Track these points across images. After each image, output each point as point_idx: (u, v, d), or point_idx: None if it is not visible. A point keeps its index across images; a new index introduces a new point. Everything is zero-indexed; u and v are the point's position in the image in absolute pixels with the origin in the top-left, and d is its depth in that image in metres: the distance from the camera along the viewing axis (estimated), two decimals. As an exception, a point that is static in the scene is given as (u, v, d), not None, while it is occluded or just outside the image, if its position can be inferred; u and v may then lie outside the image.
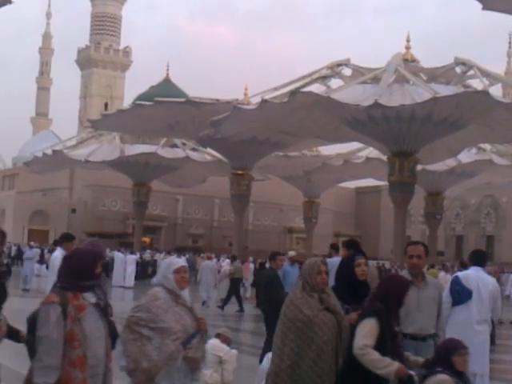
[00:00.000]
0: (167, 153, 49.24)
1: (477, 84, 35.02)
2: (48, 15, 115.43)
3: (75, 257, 4.76)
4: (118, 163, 49.16)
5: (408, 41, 37.65)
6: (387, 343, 5.05)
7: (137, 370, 5.05)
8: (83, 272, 4.64)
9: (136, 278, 34.10)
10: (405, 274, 6.48)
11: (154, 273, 36.89)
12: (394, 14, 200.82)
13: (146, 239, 62.63)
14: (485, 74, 35.44)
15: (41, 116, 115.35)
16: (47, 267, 27.34)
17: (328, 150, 49.51)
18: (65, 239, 11.72)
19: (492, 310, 7.62)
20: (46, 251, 37.17)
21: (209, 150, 48.77)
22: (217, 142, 39.83)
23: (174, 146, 52.07)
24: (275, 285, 11.54)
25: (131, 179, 51.95)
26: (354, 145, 45.05)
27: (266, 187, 58.30)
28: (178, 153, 49.96)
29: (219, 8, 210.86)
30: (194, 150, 51.48)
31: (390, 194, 35.71)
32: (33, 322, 4.62)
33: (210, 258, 27.64)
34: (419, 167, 36.66)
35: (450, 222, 65.62)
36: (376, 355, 4.96)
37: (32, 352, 4.60)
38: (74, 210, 65.54)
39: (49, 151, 49.62)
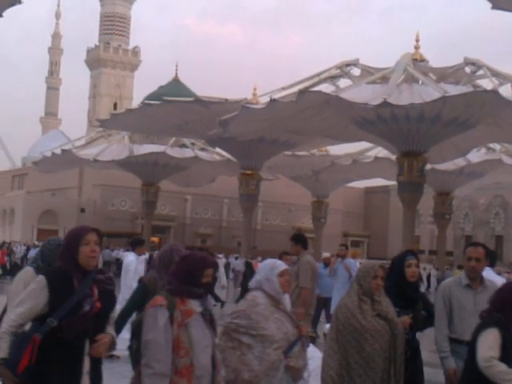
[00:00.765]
0: (176, 152, 49.27)
1: (486, 84, 34.89)
2: (57, 15, 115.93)
3: (186, 260, 4.53)
4: (127, 163, 49.23)
5: (417, 40, 37.56)
6: (510, 354, 4.67)
7: (237, 380, 4.84)
8: (192, 277, 4.40)
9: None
10: (462, 276, 6.15)
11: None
12: (402, 14, 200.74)
13: (155, 239, 62.70)
14: (494, 73, 35.31)
15: (50, 116, 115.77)
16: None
17: (337, 149, 49.50)
18: (137, 244, 12.06)
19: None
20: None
21: (218, 149, 48.80)
22: (225, 142, 39.84)
23: (183, 145, 52.11)
24: None
25: (140, 179, 52.03)
26: (363, 144, 44.99)
27: (275, 187, 58.32)
28: (187, 152, 50.00)
29: (228, 8, 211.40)
30: (202, 149, 51.51)
31: (399, 194, 35.63)
32: (137, 326, 4.42)
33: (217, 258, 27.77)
34: (428, 167, 36.59)
35: (458, 221, 65.47)
36: (503, 367, 4.59)
37: (135, 359, 4.38)
38: (83, 210, 65.71)
39: (58, 151, 49.72)
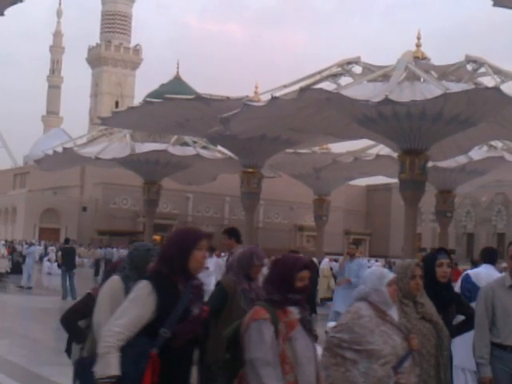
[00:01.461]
0: (178, 151, 49.28)
1: (488, 81, 34.81)
2: (59, 13, 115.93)
3: (277, 265, 4.20)
4: (129, 161, 49.23)
5: (418, 38, 37.49)
6: None
7: None
8: (285, 282, 4.05)
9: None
10: (506, 277, 5.87)
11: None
12: (404, 12, 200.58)
13: (157, 237, 62.70)
14: (496, 71, 35.25)
15: (52, 114, 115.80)
16: (59, 266, 27.41)
17: (338, 147, 49.48)
18: (212, 250, 12.24)
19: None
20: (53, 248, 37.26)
21: (219, 147, 48.79)
22: (227, 140, 39.82)
23: (185, 144, 52.09)
24: None
25: (142, 177, 52.04)
26: (365, 142, 44.95)
27: (277, 185, 58.31)
28: (189, 151, 50.00)
29: (229, 5, 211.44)
30: (204, 148, 51.51)
31: (401, 192, 35.59)
32: (233, 338, 4.12)
33: (219, 256, 27.69)
34: (430, 164, 36.55)
35: (460, 219, 65.44)
36: None
37: (231, 370, 4.10)
38: (84, 208, 65.77)
39: (59, 149, 49.73)
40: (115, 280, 4.95)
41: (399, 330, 4.64)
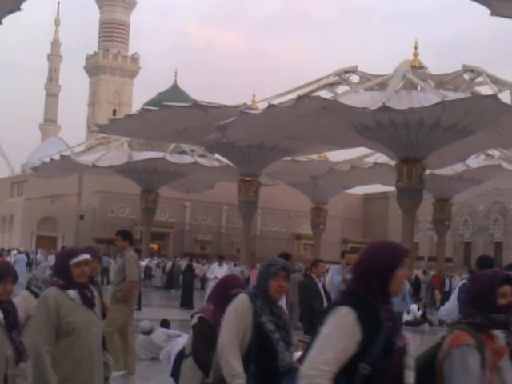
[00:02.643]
0: (175, 159, 49.31)
1: (485, 90, 34.91)
2: (57, 22, 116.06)
3: (475, 281, 3.71)
4: (126, 169, 49.24)
5: (416, 47, 37.61)
6: None
7: None
8: (486, 301, 3.52)
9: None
10: None
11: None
12: (403, 21, 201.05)
13: (154, 246, 62.65)
14: (493, 80, 35.34)
15: (49, 122, 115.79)
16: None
17: (336, 156, 49.52)
18: (285, 259, 12.18)
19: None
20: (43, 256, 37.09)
21: (217, 156, 48.82)
22: (225, 148, 39.87)
23: (183, 152, 52.14)
24: (316, 295, 11.07)
25: (139, 185, 52.02)
26: (362, 150, 45.02)
27: (274, 194, 58.27)
28: (186, 159, 50.03)
29: (229, 14, 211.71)
30: (202, 156, 51.53)
31: (398, 201, 35.63)
32: (426, 370, 3.53)
33: (220, 265, 27.67)
34: (427, 172, 36.60)
35: (458, 228, 65.39)
36: None
37: None
38: (82, 217, 65.66)
39: (56, 157, 49.76)
40: (243, 299, 4.61)
41: None
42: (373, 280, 3.34)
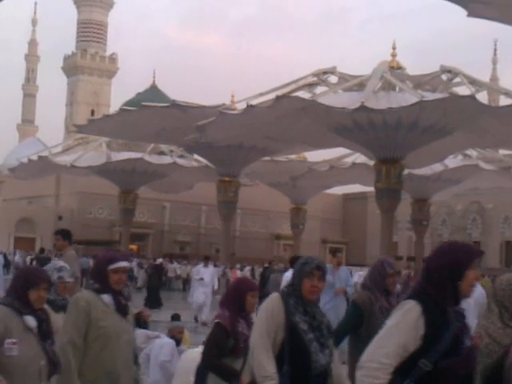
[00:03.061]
0: (154, 159, 49.17)
1: (463, 91, 35.13)
2: (34, 22, 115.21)
3: None
4: (104, 170, 49.00)
5: (394, 48, 37.75)
6: None
7: None
8: None
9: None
10: None
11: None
12: (381, 22, 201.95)
13: (134, 247, 62.43)
14: (471, 80, 35.57)
15: (27, 123, 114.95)
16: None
17: (314, 156, 49.58)
18: (295, 261, 12.24)
19: (478, 316, 7.60)
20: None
21: (196, 156, 48.72)
22: (203, 149, 39.79)
23: (161, 153, 52.00)
24: None
25: (118, 186, 51.81)
26: (341, 151, 45.12)
27: (254, 194, 58.27)
28: (165, 159, 49.90)
29: (208, 15, 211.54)
30: (181, 156, 51.40)
31: (377, 201, 35.74)
32: (494, 378, 3.35)
33: (206, 265, 27.59)
34: (406, 172, 36.75)
35: (436, 228, 65.80)
36: None
37: None
38: (60, 218, 65.26)
39: (34, 157, 49.43)
40: (274, 298, 4.53)
41: None
42: (442, 280, 3.33)
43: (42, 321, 4.19)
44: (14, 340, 4.01)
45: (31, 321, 4.11)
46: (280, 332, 4.32)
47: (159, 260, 41.38)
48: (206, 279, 20.72)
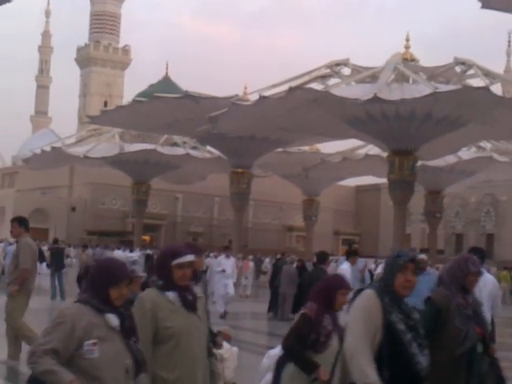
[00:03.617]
0: (167, 150, 49.25)
1: (477, 83, 34.95)
2: (47, 13, 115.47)
3: None
4: (118, 161, 49.14)
5: (407, 40, 37.61)
6: None
7: None
8: None
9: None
10: None
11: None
12: (395, 14, 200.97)
13: (146, 237, 62.60)
14: (485, 72, 35.38)
15: (40, 114, 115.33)
16: (47, 266, 27.14)
17: (327, 147, 49.53)
18: (352, 254, 12.53)
19: (492, 307, 7.58)
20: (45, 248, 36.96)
21: (209, 148, 48.74)
22: (216, 140, 39.80)
23: (174, 144, 52.07)
24: None
25: (131, 177, 51.94)
26: (354, 142, 45.03)
27: (266, 185, 58.26)
28: (178, 150, 49.98)
29: (221, 7, 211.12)
30: (194, 148, 51.45)
31: (390, 193, 35.67)
32: None
33: (217, 257, 27.74)
34: (419, 164, 36.64)
35: (449, 220, 65.58)
36: None
37: None
38: (73, 209, 65.52)
39: (48, 148, 49.64)
40: (369, 295, 4.21)
41: None
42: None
43: (124, 318, 3.91)
44: (95, 341, 3.74)
45: (114, 319, 3.84)
46: (378, 333, 4.03)
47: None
48: (227, 271, 20.42)
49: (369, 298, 4.13)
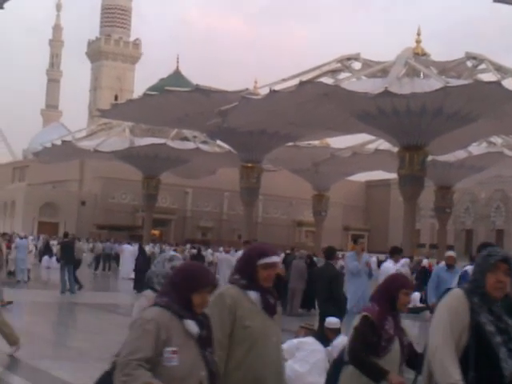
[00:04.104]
0: (177, 145, 49.26)
1: (488, 78, 34.79)
2: (58, 7, 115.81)
3: None
4: (128, 155, 49.20)
5: (418, 34, 37.48)
6: None
7: None
8: None
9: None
10: None
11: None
12: (405, 9, 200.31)
13: (156, 232, 62.70)
14: (496, 67, 35.21)
15: (51, 108, 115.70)
16: (57, 260, 27.19)
17: (337, 142, 49.43)
18: (395, 252, 12.56)
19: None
20: (53, 243, 37.02)
21: (219, 142, 48.75)
22: (226, 134, 39.77)
23: (185, 138, 52.08)
24: (339, 283, 11.13)
25: (141, 172, 52.01)
26: (364, 137, 44.94)
27: (276, 180, 58.24)
28: (188, 145, 50.00)
29: (231, 1, 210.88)
30: (204, 142, 51.45)
31: (400, 188, 35.59)
32: None
33: (227, 252, 27.71)
34: (429, 159, 36.53)
35: (459, 215, 65.43)
36: None
37: None
38: (83, 203, 65.70)
39: (58, 142, 49.75)
40: (457, 294, 4.00)
41: None
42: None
43: (202, 326, 3.67)
44: (175, 348, 3.53)
45: (193, 326, 3.62)
46: (464, 334, 3.85)
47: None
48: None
49: (457, 297, 3.96)
